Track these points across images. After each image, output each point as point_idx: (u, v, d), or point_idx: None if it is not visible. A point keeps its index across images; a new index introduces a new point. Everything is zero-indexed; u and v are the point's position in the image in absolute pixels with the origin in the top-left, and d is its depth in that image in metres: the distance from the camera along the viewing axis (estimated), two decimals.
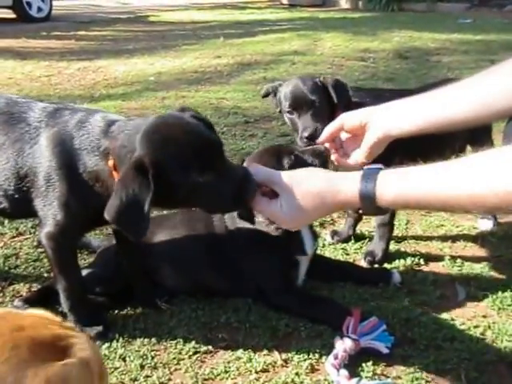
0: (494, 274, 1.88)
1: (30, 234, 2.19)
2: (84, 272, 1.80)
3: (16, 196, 1.53)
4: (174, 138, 1.27)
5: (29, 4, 9.23)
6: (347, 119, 1.43)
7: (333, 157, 1.50)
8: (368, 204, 1.12)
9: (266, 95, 2.04)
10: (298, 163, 1.51)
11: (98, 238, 2.10)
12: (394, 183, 1.10)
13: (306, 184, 1.22)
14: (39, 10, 9.51)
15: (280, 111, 1.96)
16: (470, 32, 7.47)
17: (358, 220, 2.14)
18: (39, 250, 2.07)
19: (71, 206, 1.46)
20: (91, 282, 1.74)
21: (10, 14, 9.48)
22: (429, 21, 8.91)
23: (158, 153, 1.25)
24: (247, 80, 5.01)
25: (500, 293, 1.76)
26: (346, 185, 1.16)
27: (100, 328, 1.59)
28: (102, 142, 1.40)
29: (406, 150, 1.56)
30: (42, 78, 5.23)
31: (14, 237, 2.20)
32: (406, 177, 1.10)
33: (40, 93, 4.62)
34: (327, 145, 1.51)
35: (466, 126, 1.32)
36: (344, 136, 1.47)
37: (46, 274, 1.91)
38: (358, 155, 1.42)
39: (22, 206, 1.55)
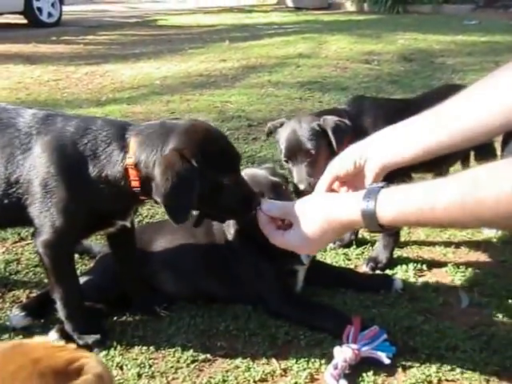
0: (498, 280, 1.84)
1: (32, 239, 2.18)
2: (83, 278, 1.79)
3: (5, 202, 1.50)
4: (211, 138, 1.38)
5: (39, 9, 9.42)
6: (339, 166, 1.38)
7: None
8: (370, 222, 1.14)
9: (269, 134, 2.00)
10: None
11: (100, 244, 2.09)
12: (394, 202, 1.12)
13: (312, 212, 1.27)
14: (49, 15, 9.68)
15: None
16: (475, 33, 7.41)
17: None
18: None
19: (71, 212, 1.45)
20: (90, 289, 1.73)
21: (21, 20, 9.67)
22: (434, 23, 8.87)
23: (197, 147, 1.33)
24: (252, 83, 5.01)
25: (504, 300, 1.72)
26: (349, 205, 1.19)
27: (98, 336, 1.58)
28: (118, 144, 1.41)
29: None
30: (51, 82, 5.29)
31: (15, 242, 2.20)
32: (406, 195, 1.11)
33: (48, 97, 4.69)
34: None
35: (466, 145, 1.32)
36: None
37: (46, 280, 1.89)
38: None
39: (11, 213, 1.53)
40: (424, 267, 1.94)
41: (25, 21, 9.59)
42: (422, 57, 5.99)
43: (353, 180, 1.39)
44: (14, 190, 1.48)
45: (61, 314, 1.57)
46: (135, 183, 1.40)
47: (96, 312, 1.70)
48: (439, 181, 1.10)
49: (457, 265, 1.94)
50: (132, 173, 1.39)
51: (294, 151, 1.78)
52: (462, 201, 1.00)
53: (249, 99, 4.38)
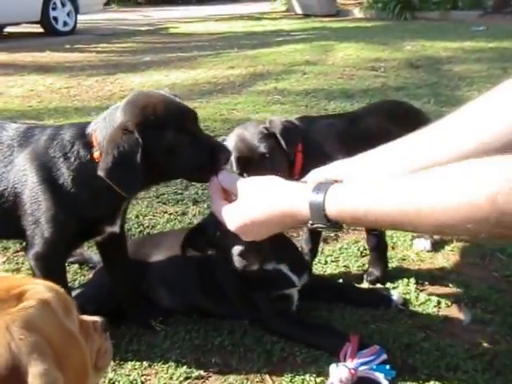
0: (502, 295, 1.78)
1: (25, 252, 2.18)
2: (80, 289, 1.78)
3: None
4: (152, 104, 1.35)
5: (55, 19, 9.78)
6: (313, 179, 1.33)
7: None
8: (316, 214, 1.07)
9: None
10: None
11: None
12: (343, 194, 1.06)
13: (259, 193, 1.18)
14: (65, 24, 10.03)
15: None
16: (482, 40, 7.32)
17: None
18: None
19: (59, 221, 1.44)
20: (86, 301, 1.71)
21: (37, 29, 9.96)
22: (441, 29, 8.80)
23: (139, 116, 1.32)
24: (258, 90, 5.00)
25: (508, 317, 1.66)
26: (297, 194, 1.11)
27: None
28: (82, 141, 1.42)
29: None
30: (62, 89, 5.37)
31: (17, 251, 2.19)
32: (356, 188, 1.05)
33: (58, 104, 4.76)
34: None
35: None
36: None
37: None
38: None
39: (3, 226, 1.54)
40: (425, 281, 1.88)
41: (41, 30, 9.91)
42: (428, 63, 5.93)
43: None
44: (2, 203, 1.47)
45: None
46: None
47: None
48: (391, 177, 1.04)
49: (459, 279, 1.89)
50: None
51: (248, 160, 1.63)
52: (419, 201, 0.93)
53: (255, 107, 4.37)
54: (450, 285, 1.87)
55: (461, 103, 1.26)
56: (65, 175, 1.43)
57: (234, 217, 1.21)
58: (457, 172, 0.92)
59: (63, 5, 9.83)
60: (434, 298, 1.78)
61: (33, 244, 1.47)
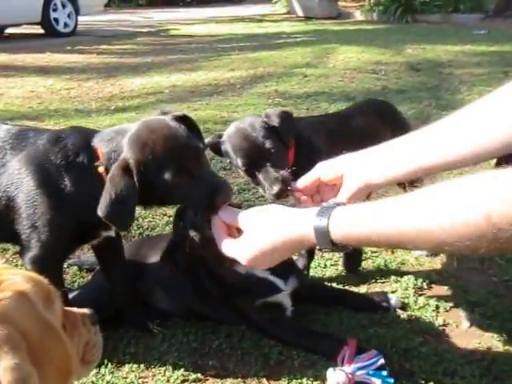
0: (500, 300, 1.78)
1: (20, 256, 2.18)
2: (78, 292, 1.78)
3: None
4: (154, 142, 1.33)
5: (56, 20, 9.77)
6: (324, 170, 1.38)
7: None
8: (322, 239, 1.09)
9: (215, 152, 1.75)
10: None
11: None
12: (346, 219, 1.08)
13: (265, 223, 1.20)
14: (65, 25, 10.02)
15: (230, 162, 1.71)
16: (483, 43, 7.30)
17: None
18: None
19: (56, 225, 1.45)
20: (83, 304, 1.71)
21: (38, 30, 9.95)
22: (443, 32, 8.79)
23: (140, 155, 1.33)
24: (259, 93, 4.99)
25: (507, 322, 1.66)
26: (302, 221, 1.13)
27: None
28: (87, 152, 1.42)
29: None
30: (62, 91, 5.37)
31: (16, 253, 2.18)
32: (358, 212, 1.08)
33: (59, 106, 4.75)
34: (305, 201, 1.43)
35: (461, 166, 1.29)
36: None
37: None
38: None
39: None
40: (424, 285, 1.88)
41: (41, 31, 9.89)
42: (429, 67, 5.92)
43: (331, 188, 1.38)
44: None
45: None
46: None
47: None
48: (391, 199, 1.06)
49: (458, 283, 1.89)
50: (106, 178, 1.38)
51: (254, 157, 1.62)
52: (419, 221, 0.96)
53: (255, 109, 4.36)
54: (449, 289, 1.87)
55: (461, 107, 1.28)
56: (66, 182, 1.43)
57: (243, 251, 1.22)
58: (453, 192, 0.94)
59: (64, 6, 9.83)
60: (433, 303, 1.77)
61: (29, 248, 1.47)
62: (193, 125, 1.47)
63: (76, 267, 2.07)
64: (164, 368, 1.53)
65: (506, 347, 1.57)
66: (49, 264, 1.49)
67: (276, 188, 1.56)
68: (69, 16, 10.00)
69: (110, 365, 1.54)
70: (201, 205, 1.36)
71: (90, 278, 1.95)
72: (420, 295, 1.83)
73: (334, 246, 1.10)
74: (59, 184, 1.43)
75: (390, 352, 1.53)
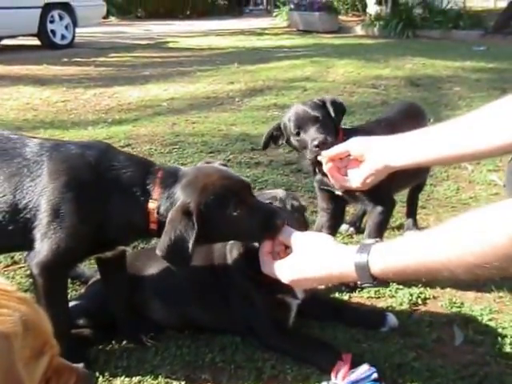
0: (494, 316, 1.78)
1: (25, 262, 2.17)
2: (73, 303, 1.78)
3: (10, 228, 1.50)
4: (211, 184, 1.46)
5: (53, 32, 9.74)
6: (355, 146, 1.56)
7: (333, 180, 1.66)
8: (363, 274, 1.21)
9: (270, 141, 2.07)
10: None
11: (92, 269, 2.07)
12: (384, 254, 1.19)
13: (312, 253, 1.32)
14: (63, 37, 9.98)
15: (287, 141, 2.00)
16: (483, 60, 7.38)
17: None
18: (31, 279, 2.06)
19: (80, 237, 1.47)
20: (78, 314, 1.72)
21: (35, 42, 9.93)
22: (443, 48, 8.87)
23: (200, 197, 1.43)
24: (258, 106, 5.03)
25: (499, 339, 1.66)
26: (344, 257, 1.25)
27: (80, 365, 1.55)
28: (142, 188, 1.48)
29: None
30: (59, 103, 5.33)
31: (8, 266, 2.19)
32: (395, 247, 1.20)
33: (55, 118, 4.73)
34: (330, 165, 1.62)
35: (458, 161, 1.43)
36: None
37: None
38: (357, 181, 1.57)
39: (14, 238, 1.53)
40: (419, 301, 1.88)
41: (38, 43, 9.86)
42: (429, 82, 5.97)
43: (356, 162, 1.56)
44: (22, 215, 1.48)
45: None
46: (153, 226, 1.48)
47: (82, 340, 1.68)
48: (423, 233, 1.20)
49: (453, 299, 1.89)
50: (152, 216, 1.47)
51: (304, 120, 1.91)
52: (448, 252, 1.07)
53: (254, 123, 4.39)
54: (443, 305, 1.87)
55: None
56: (111, 206, 1.48)
57: (287, 270, 1.36)
58: (479, 219, 1.06)
59: (61, 18, 9.79)
60: (427, 318, 1.78)
61: (39, 253, 1.47)
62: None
63: (68, 280, 2.05)
64: (157, 382, 1.52)
65: (498, 363, 1.57)
66: (57, 271, 1.51)
67: (317, 140, 1.83)
68: (66, 28, 9.97)
69: (101, 378, 1.53)
70: (254, 234, 1.48)
71: (83, 290, 1.94)
72: (414, 311, 1.84)
73: (374, 281, 1.21)
74: (101, 206, 1.47)
75: (384, 367, 1.53)
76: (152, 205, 1.47)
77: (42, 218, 1.46)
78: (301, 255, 1.35)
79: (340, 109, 2.00)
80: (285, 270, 1.36)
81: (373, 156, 1.50)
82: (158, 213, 1.46)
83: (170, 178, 1.50)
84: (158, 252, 1.42)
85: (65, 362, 0.93)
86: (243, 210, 1.45)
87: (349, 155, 1.59)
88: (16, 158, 1.51)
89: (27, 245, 1.50)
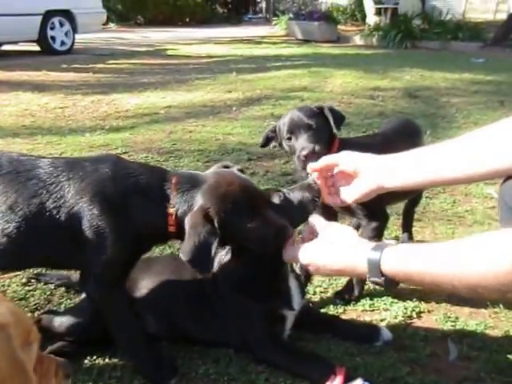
0: (489, 332, 1.78)
1: (20, 270, 2.16)
2: (66, 314, 1.77)
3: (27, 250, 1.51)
4: (233, 192, 1.49)
5: (53, 38, 9.83)
6: (346, 160, 1.54)
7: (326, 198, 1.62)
8: (373, 270, 1.26)
9: (266, 142, 2.06)
10: (287, 201, 1.59)
11: None
12: (396, 255, 1.25)
13: (334, 244, 1.38)
14: (62, 43, 10.07)
15: (280, 144, 2.00)
16: (481, 72, 7.42)
17: None
18: (26, 288, 2.05)
19: (124, 251, 1.50)
20: (71, 325, 1.70)
21: (34, 47, 9.99)
22: (441, 59, 8.92)
23: (221, 205, 1.46)
24: (255, 116, 5.03)
25: (494, 354, 1.65)
26: (360, 252, 1.30)
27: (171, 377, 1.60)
28: (160, 193, 1.51)
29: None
30: (57, 109, 5.33)
31: (3, 274, 2.17)
32: (407, 251, 1.25)
33: (52, 124, 4.73)
34: (318, 179, 1.61)
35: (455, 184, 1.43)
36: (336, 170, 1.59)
37: (29, 314, 1.87)
38: (348, 196, 1.56)
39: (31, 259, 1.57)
40: (414, 314, 1.88)
41: (37, 48, 9.93)
42: (427, 94, 5.99)
43: (346, 177, 1.55)
44: (46, 238, 1.49)
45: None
46: (172, 228, 1.50)
47: (74, 351, 1.67)
48: (435, 246, 1.26)
49: (448, 313, 1.89)
50: (171, 220, 1.49)
51: (297, 126, 1.91)
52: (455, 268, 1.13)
53: (250, 132, 4.39)
54: (438, 320, 1.87)
55: (457, 136, 1.39)
56: (133, 209, 1.50)
57: (309, 253, 1.42)
58: (487, 242, 1.11)
59: (61, 25, 9.88)
60: (422, 333, 1.77)
61: (93, 278, 1.52)
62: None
63: (63, 289, 2.05)
64: None
65: (493, 379, 1.56)
66: (115, 291, 1.56)
67: (305, 151, 1.83)
68: (66, 34, 10.06)
69: None
70: (267, 244, 1.53)
71: (77, 299, 1.93)
72: (409, 324, 1.83)
73: (383, 277, 1.25)
74: (128, 218, 1.49)
75: (377, 381, 1.53)
76: (172, 209, 1.49)
77: (81, 241, 1.46)
78: (325, 242, 1.40)
79: (339, 117, 1.99)
80: (306, 253, 1.42)
81: (368, 174, 1.50)
82: (176, 215, 1.48)
83: (188, 181, 1.52)
84: (183, 256, 1.42)
85: (43, 353, 0.97)
86: (258, 222, 1.49)
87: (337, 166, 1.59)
88: (31, 179, 1.49)
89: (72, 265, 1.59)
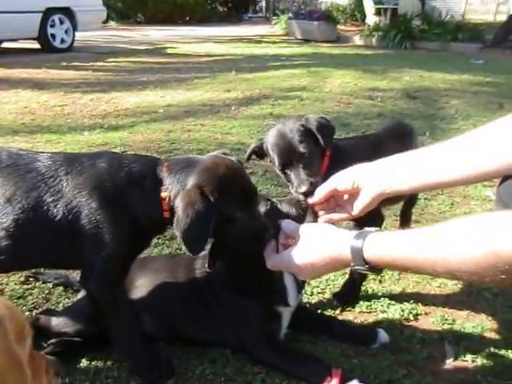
0: (486, 334, 1.79)
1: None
2: (63, 313, 1.77)
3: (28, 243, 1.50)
4: (231, 177, 1.45)
5: (53, 36, 9.84)
6: (340, 181, 1.51)
7: (324, 217, 1.58)
8: (357, 257, 1.26)
9: (249, 158, 1.96)
10: (273, 211, 1.59)
11: None
12: (378, 242, 1.24)
13: (316, 242, 1.37)
14: (62, 41, 10.08)
15: (271, 161, 1.88)
16: (480, 73, 7.43)
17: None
18: (25, 286, 2.05)
19: (123, 244, 1.48)
20: (68, 324, 1.71)
21: (34, 45, 9.97)
22: (441, 60, 8.92)
23: (216, 183, 1.42)
24: (254, 115, 5.02)
25: (491, 357, 1.66)
26: (343, 241, 1.30)
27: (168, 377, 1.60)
28: (153, 179, 1.48)
29: None
30: (56, 107, 5.33)
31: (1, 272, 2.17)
32: (389, 237, 1.25)
33: (52, 122, 4.72)
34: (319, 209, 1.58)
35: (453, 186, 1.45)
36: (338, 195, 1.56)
37: (27, 313, 1.87)
38: (357, 210, 1.53)
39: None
40: (411, 317, 1.88)
41: (38, 46, 9.92)
42: (426, 95, 5.99)
43: (346, 200, 1.54)
44: (44, 231, 1.47)
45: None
46: (167, 213, 1.47)
47: (72, 350, 1.67)
48: (418, 230, 1.23)
49: (445, 316, 1.89)
50: (165, 204, 1.47)
51: (288, 157, 1.78)
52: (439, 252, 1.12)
53: (249, 131, 4.39)
54: (435, 322, 1.87)
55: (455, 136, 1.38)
56: (131, 206, 1.48)
57: (293, 259, 1.40)
58: (467, 227, 1.10)
59: (62, 22, 9.90)
60: (418, 335, 1.77)
61: (94, 276, 1.50)
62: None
63: (62, 288, 2.05)
64: None
65: (490, 382, 1.56)
66: (116, 287, 1.54)
67: (303, 189, 1.72)
68: (66, 32, 10.07)
69: None
70: (251, 238, 1.49)
71: (75, 298, 1.93)
72: (406, 327, 1.83)
73: (367, 265, 1.25)
74: (125, 209, 1.47)
75: (374, 383, 1.53)
76: (164, 193, 1.47)
77: (79, 235, 1.45)
78: (305, 243, 1.39)
79: (328, 132, 1.85)
80: (290, 259, 1.40)
81: (368, 185, 1.48)
82: (169, 198, 1.45)
83: (181, 162, 1.50)
84: (177, 231, 1.39)
85: (36, 351, 0.97)
86: (245, 215, 1.46)
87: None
88: (30, 172, 1.49)
89: (71, 263, 1.58)
